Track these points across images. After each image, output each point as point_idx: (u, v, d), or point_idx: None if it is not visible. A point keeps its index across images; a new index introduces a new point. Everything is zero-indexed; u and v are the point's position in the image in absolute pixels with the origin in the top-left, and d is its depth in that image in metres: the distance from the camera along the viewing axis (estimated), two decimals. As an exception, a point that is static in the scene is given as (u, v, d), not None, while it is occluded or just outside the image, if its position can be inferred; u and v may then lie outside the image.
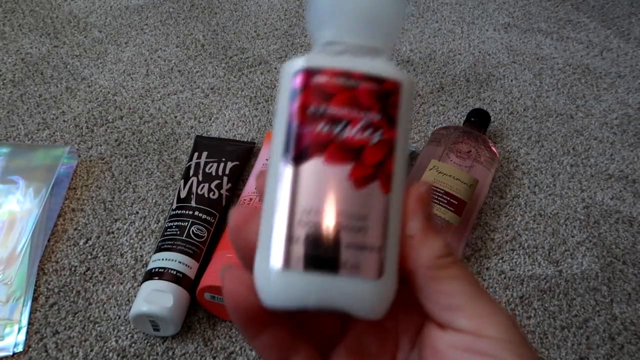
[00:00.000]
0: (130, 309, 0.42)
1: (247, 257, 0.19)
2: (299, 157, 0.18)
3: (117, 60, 0.66)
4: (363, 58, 0.19)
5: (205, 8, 0.75)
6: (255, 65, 0.67)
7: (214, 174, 0.50)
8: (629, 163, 0.59)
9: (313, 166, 0.18)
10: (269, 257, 0.18)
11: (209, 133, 0.58)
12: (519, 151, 0.60)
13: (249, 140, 0.58)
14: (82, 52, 0.67)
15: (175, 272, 0.42)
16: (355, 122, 0.18)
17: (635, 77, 0.70)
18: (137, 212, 0.51)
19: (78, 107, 0.60)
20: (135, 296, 0.43)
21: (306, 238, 0.17)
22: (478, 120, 0.56)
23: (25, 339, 0.42)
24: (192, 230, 0.45)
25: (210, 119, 0.60)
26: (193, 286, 0.43)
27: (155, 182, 0.53)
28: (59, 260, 0.47)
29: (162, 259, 0.43)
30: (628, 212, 0.54)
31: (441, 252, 0.19)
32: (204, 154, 0.52)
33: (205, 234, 0.45)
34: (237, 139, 0.58)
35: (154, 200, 0.52)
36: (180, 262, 0.43)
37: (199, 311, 0.44)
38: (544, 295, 0.47)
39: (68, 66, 0.65)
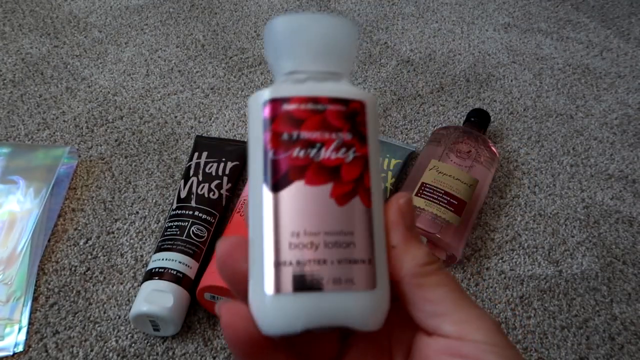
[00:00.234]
0: (130, 309, 0.42)
1: (239, 287, 0.19)
2: (280, 182, 0.19)
3: (117, 60, 0.66)
4: (326, 83, 0.20)
5: (205, 8, 0.75)
6: (255, 65, 0.67)
7: (214, 174, 0.50)
8: (629, 163, 0.59)
9: (295, 190, 0.18)
10: (262, 284, 0.18)
11: (209, 133, 0.58)
12: (519, 151, 0.60)
13: (249, 140, 0.57)
14: (82, 52, 0.67)
15: (175, 272, 0.42)
16: (329, 143, 0.19)
17: (635, 77, 0.70)
18: (137, 212, 0.51)
19: (78, 107, 0.60)
20: (135, 296, 0.43)
21: (297, 260, 0.18)
22: (478, 120, 0.56)
23: (26, 339, 0.42)
24: (192, 230, 0.45)
25: (210, 119, 0.60)
26: (193, 286, 0.43)
27: (155, 182, 0.53)
28: (59, 260, 0.47)
29: (162, 259, 0.43)
30: (628, 212, 0.54)
31: (424, 260, 0.19)
32: (204, 154, 0.52)
33: (205, 234, 0.46)
34: (237, 139, 0.58)
35: (154, 200, 0.52)
36: (180, 262, 0.43)
37: (199, 311, 0.44)
38: (544, 295, 0.48)
39: (68, 66, 0.65)
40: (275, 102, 0.19)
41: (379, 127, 0.21)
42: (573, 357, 0.44)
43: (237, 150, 0.53)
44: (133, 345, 0.42)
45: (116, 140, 0.57)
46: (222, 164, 0.51)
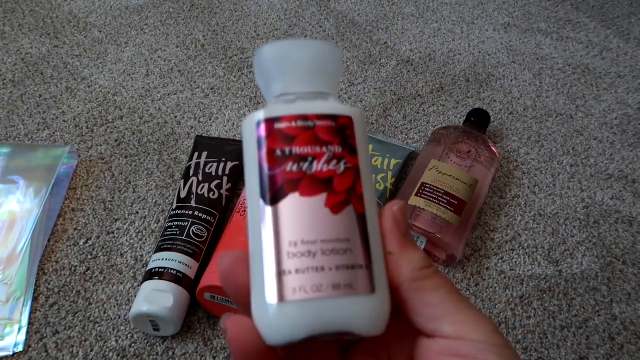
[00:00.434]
0: (130, 309, 0.42)
1: (243, 301, 0.20)
2: (276, 196, 0.20)
3: (117, 60, 0.66)
4: (315, 102, 0.22)
5: (205, 8, 0.75)
6: (255, 65, 0.67)
7: (214, 174, 0.50)
8: (629, 163, 0.59)
9: (291, 201, 0.19)
10: (263, 295, 0.19)
11: (209, 133, 0.58)
12: (519, 151, 0.60)
13: (249, 140, 0.57)
14: (82, 52, 0.67)
15: (175, 272, 0.42)
16: (320, 157, 0.20)
17: (635, 77, 0.70)
18: (137, 212, 0.51)
19: (78, 107, 0.60)
20: (135, 296, 0.43)
21: (296, 269, 0.19)
22: (478, 120, 0.56)
23: (26, 339, 0.42)
24: (192, 230, 0.45)
25: (210, 119, 0.60)
26: (193, 286, 0.43)
27: (155, 182, 0.53)
28: (59, 260, 0.47)
29: (162, 259, 0.43)
30: (628, 212, 0.54)
31: (421, 264, 0.20)
32: (204, 154, 0.52)
33: (205, 234, 0.46)
34: (237, 139, 0.58)
35: (154, 200, 0.52)
36: (180, 262, 0.43)
37: (199, 311, 0.44)
38: (544, 295, 0.48)
39: (68, 66, 0.65)
40: (268, 122, 0.21)
41: (367, 139, 0.22)
42: (573, 357, 0.44)
43: (237, 150, 0.53)
44: (133, 345, 0.42)
45: (116, 140, 0.57)
46: (222, 164, 0.51)
